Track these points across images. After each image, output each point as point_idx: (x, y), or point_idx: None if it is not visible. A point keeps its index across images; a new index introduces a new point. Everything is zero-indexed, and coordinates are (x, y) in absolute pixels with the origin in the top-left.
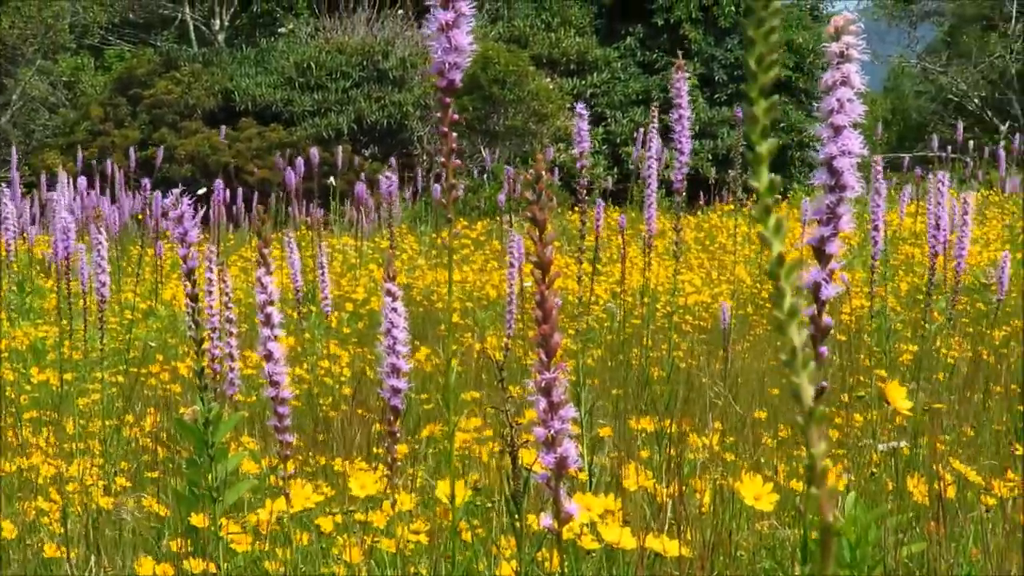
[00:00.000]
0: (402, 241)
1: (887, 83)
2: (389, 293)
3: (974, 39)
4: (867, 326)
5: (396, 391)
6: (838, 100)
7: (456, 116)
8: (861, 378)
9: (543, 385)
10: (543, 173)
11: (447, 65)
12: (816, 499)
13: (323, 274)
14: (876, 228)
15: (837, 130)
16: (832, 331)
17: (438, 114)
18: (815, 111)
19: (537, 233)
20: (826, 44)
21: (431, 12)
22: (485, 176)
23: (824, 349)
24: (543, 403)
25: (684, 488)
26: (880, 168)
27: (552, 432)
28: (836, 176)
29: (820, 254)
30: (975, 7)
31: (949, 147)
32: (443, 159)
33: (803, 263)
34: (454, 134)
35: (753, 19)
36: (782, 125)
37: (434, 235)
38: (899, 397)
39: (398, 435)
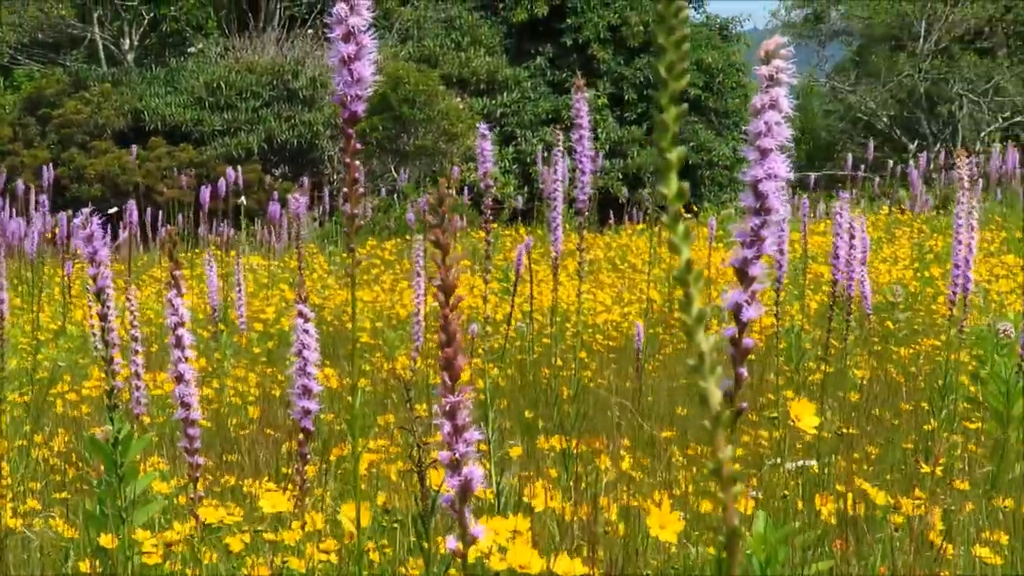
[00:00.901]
0: (312, 261)
1: (796, 102)
2: (301, 315)
3: (883, 58)
4: (777, 344)
5: (307, 412)
6: (766, 123)
7: (359, 146)
8: (771, 396)
9: (447, 408)
10: (446, 196)
11: (349, 97)
12: (722, 502)
13: (240, 293)
14: (780, 251)
15: (764, 153)
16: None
17: (341, 144)
18: (725, 130)
19: (440, 256)
20: (756, 67)
21: (333, 45)
22: (395, 196)
23: (743, 370)
24: (448, 426)
25: (592, 508)
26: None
27: (457, 455)
28: (761, 199)
29: (743, 276)
30: (884, 27)
31: (860, 166)
32: (346, 188)
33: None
34: (357, 163)
35: (664, 27)
36: (692, 144)
37: (344, 255)
38: (806, 416)
39: (308, 456)
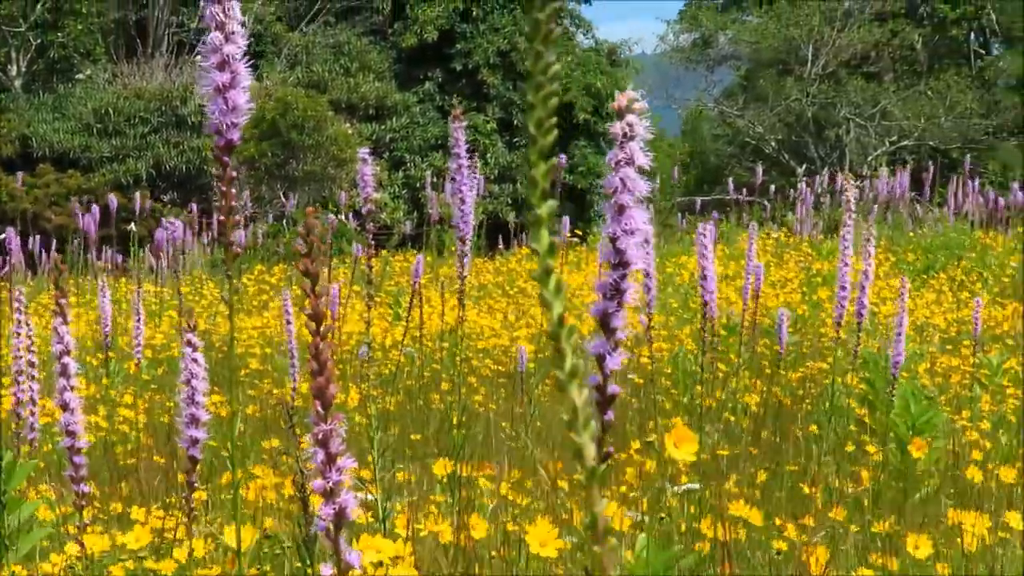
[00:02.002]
0: (202, 287)
1: (685, 127)
2: (190, 344)
3: (770, 82)
4: (664, 369)
5: (195, 441)
6: (621, 179)
7: (234, 174)
8: (660, 420)
9: (320, 437)
10: (314, 226)
11: (225, 125)
12: (598, 556)
13: (139, 320)
14: (648, 275)
15: (620, 209)
16: (630, 374)
17: (216, 171)
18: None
19: (310, 285)
20: (610, 124)
21: (208, 73)
22: (284, 221)
23: (610, 415)
24: (321, 454)
25: (477, 532)
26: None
27: (331, 483)
28: (620, 254)
29: (605, 327)
30: (771, 51)
31: (746, 190)
32: (223, 215)
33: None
34: (233, 191)
35: (532, 83)
36: (581, 169)
37: (236, 281)
38: (685, 444)
39: (196, 484)
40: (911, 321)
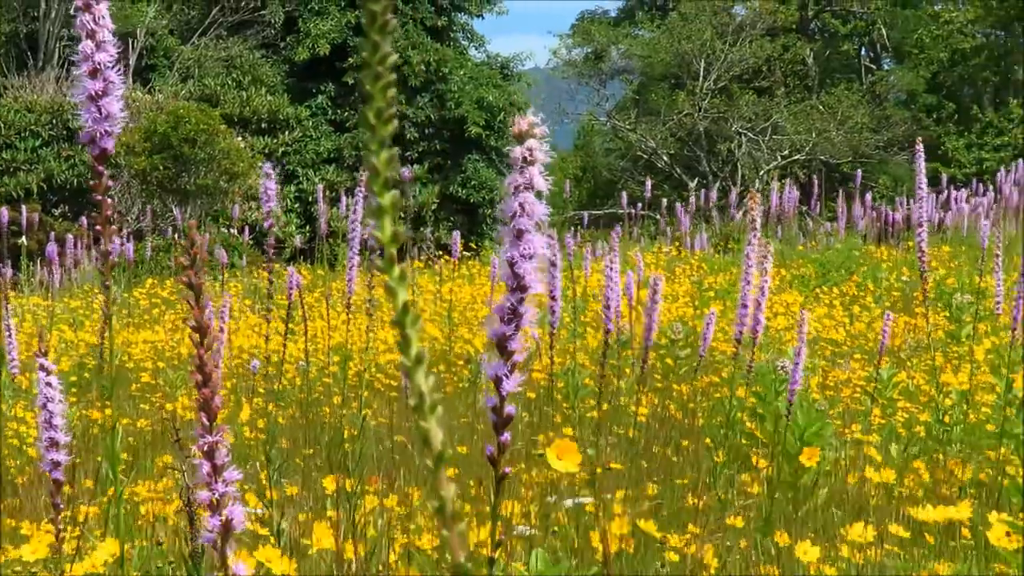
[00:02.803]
0: (92, 300)
1: (578, 141)
2: (43, 368)
3: (662, 97)
4: (557, 383)
5: (56, 464)
6: (521, 204)
7: (110, 183)
8: (551, 434)
9: (206, 448)
10: (196, 239)
11: (99, 133)
12: (447, 540)
13: (10, 336)
14: (553, 298)
15: (519, 234)
16: (522, 388)
17: (92, 181)
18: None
19: (194, 297)
20: (510, 148)
21: (80, 82)
22: (176, 235)
23: (506, 436)
24: (206, 466)
25: (367, 545)
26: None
27: (217, 495)
28: (518, 278)
29: (503, 349)
30: (663, 65)
31: (639, 204)
32: (99, 226)
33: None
34: (109, 200)
35: (370, 73)
36: (473, 183)
37: (125, 295)
38: (568, 456)
39: (61, 506)
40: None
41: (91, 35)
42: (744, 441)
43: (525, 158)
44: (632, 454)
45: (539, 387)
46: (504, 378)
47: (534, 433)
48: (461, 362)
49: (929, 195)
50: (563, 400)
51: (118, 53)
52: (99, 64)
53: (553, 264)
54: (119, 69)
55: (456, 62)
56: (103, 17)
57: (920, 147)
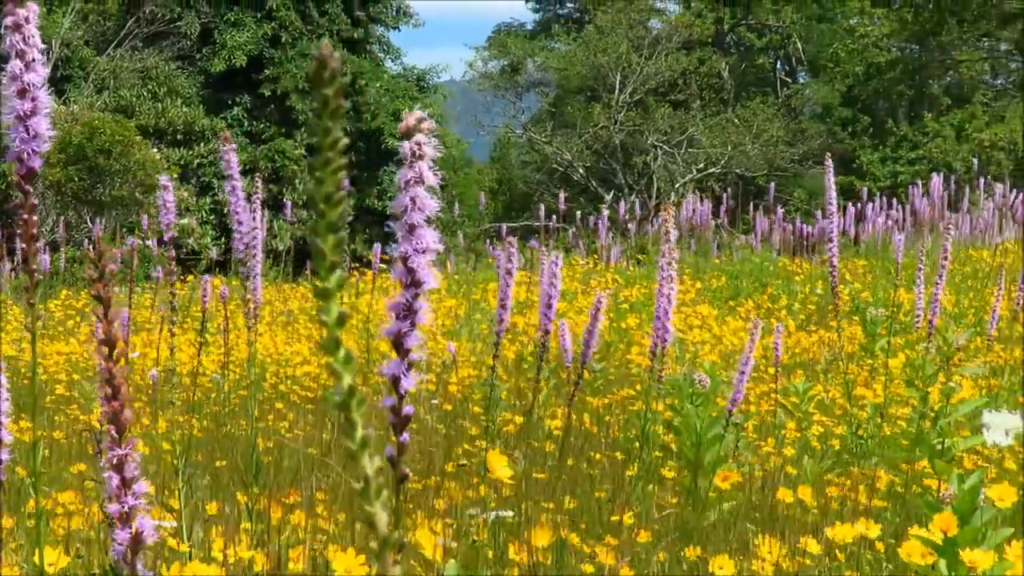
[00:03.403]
0: (7, 312)
1: (494, 153)
2: None
3: (578, 109)
4: (475, 395)
5: None
6: (411, 199)
7: (35, 201)
8: (467, 447)
9: (115, 461)
10: (105, 251)
11: (27, 153)
12: None
13: None
14: (503, 306)
15: (411, 229)
16: (440, 401)
17: (18, 200)
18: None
19: (102, 310)
20: (400, 143)
21: (8, 102)
22: (92, 247)
23: (406, 437)
24: (115, 479)
25: (281, 559)
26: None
27: (126, 507)
28: (412, 273)
29: (399, 347)
30: (579, 78)
31: (555, 216)
32: (24, 244)
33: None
34: (35, 218)
35: (321, 159)
36: (390, 195)
37: (41, 307)
38: (499, 466)
39: None
40: (719, 349)
41: (20, 55)
42: (659, 454)
43: (414, 152)
44: (549, 468)
45: (455, 400)
46: (402, 376)
47: (451, 446)
48: (377, 376)
49: (842, 208)
50: (481, 413)
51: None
52: (28, 84)
53: (509, 272)
54: (47, 89)
55: (372, 74)
56: (32, 37)
57: (829, 163)
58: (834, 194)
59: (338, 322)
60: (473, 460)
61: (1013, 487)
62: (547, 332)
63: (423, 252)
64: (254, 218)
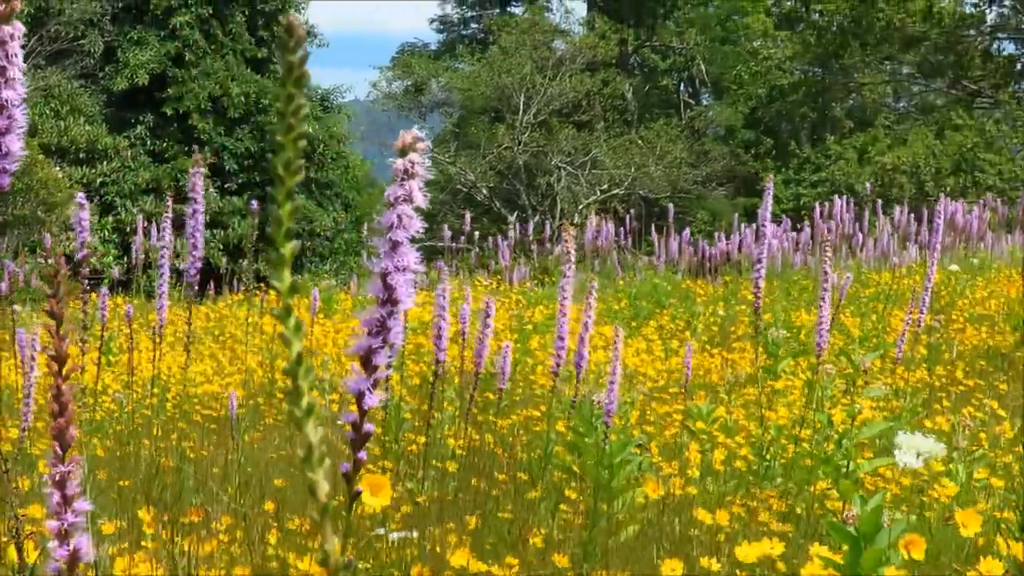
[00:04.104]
0: None
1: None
2: None
3: (482, 130)
4: (377, 415)
5: None
6: (399, 215)
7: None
8: (371, 467)
9: (57, 478)
10: (62, 268)
11: None
12: None
13: None
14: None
15: (395, 245)
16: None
17: None
18: (327, 201)
19: (55, 326)
20: (392, 159)
21: None
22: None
23: (363, 454)
24: (57, 496)
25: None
26: None
27: (66, 525)
28: (390, 290)
29: (367, 363)
30: (483, 99)
31: (459, 237)
32: None
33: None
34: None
35: (283, 124)
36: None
37: None
38: (380, 491)
39: None
40: (621, 370)
41: (1, 71)
42: (562, 475)
43: (406, 170)
44: (453, 488)
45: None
46: (367, 393)
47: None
48: (280, 395)
49: (739, 229)
50: (383, 433)
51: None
52: (6, 101)
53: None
54: (24, 108)
55: (276, 94)
56: (16, 55)
57: (770, 184)
58: (769, 215)
59: (290, 290)
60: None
61: (977, 515)
62: (439, 361)
63: (404, 270)
64: (163, 236)
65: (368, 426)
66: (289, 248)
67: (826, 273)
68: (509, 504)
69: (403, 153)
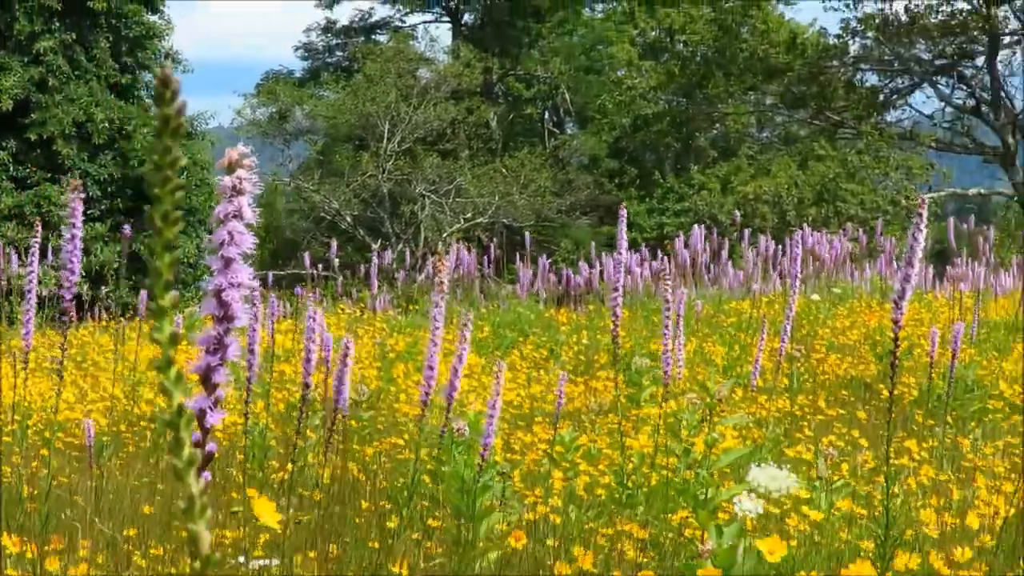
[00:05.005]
0: None
1: (261, 201)
2: None
3: (347, 158)
4: (240, 442)
5: None
6: (229, 232)
7: None
8: (235, 495)
9: None
10: None
11: None
12: None
13: None
14: (252, 351)
15: (227, 262)
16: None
17: None
18: (191, 228)
19: None
20: (220, 176)
21: None
22: None
23: (207, 475)
24: None
25: None
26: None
27: None
28: (225, 307)
29: (206, 382)
30: (348, 126)
31: (322, 265)
32: None
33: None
34: None
35: (159, 177)
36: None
37: None
38: (267, 513)
39: None
40: (485, 397)
41: None
42: (426, 504)
43: (235, 187)
44: (317, 516)
45: (222, 447)
46: (208, 411)
47: (219, 494)
48: (144, 422)
49: (607, 259)
50: (247, 460)
51: None
52: None
53: (253, 329)
54: None
55: (140, 120)
56: None
57: (623, 213)
58: (625, 243)
59: (171, 341)
60: (243, 508)
61: (783, 540)
62: (307, 386)
63: (237, 287)
64: (31, 263)
65: (211, 445)
66: (169, 299)
67: (667, 301)
68: (373, 532)
69: (231, 170)
